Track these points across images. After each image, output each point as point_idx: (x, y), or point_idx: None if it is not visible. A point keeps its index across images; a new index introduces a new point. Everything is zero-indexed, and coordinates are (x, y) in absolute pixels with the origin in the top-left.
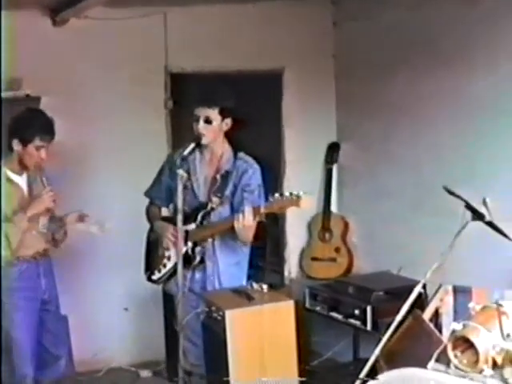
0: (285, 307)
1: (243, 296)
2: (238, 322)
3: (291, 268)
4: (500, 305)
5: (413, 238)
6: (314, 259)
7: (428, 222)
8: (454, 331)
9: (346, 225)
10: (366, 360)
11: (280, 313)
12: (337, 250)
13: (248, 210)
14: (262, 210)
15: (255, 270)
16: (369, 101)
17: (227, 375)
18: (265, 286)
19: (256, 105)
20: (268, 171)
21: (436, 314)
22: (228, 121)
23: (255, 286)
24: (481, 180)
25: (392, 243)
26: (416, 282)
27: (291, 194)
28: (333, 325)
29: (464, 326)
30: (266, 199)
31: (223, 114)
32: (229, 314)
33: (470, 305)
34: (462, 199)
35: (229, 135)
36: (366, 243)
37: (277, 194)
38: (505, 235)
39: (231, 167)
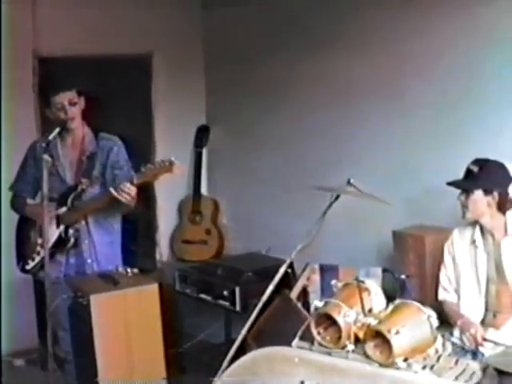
0: (149, 291)
1: (109, 280)
2: (103, 307)
3: (163, 251)
4: (361, 281)
5: (282, 218)
6: (185, 242)
7: (296, 203)
8: (316, 308)
9: (217, 207)
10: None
11: (145, 296)
12: (207, 232)
13: (124, 185)
14: (136, 181)
15: (128, 254)
16: (239, 85)
17: (94, 361)
18: (129, 270)
19: (125, 88)
20: (138, 155)
21: (304, 293)
22: (82, 101)
23: (121, 269)
24: (348, 162)
25: (262, 224)
26: (285, 261)
27: (163, 161)
28: (206, 307)
29: (326, 303)
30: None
31: (80, 95)
32: (93, 299)
33: (333, 282)
34: (329, 190)
35: (88, 117)
36: (237, 225)
37: (149, 164)
38: (374, 198)
39: (95, 148)
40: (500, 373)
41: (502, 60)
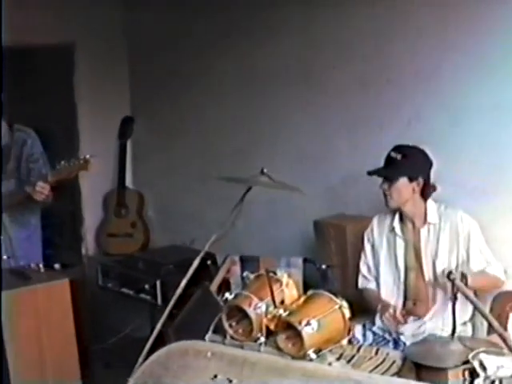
0: (60, 287)
1: (20, 277)
2: (13, 304)
3: (88, 245)
4: (272, 272)
5: (206, 209)
6: (111, 235)
7: (220, 193)
8: (227, 301)
9: (142, 199)
10: (162, 333)
11: (55, 292)
12: (133, 225)
13: (37, 184)
14: (50, 179)
15: (51, 249)
16: (161, 75)
17: (5, 359)
18: (41, 266)
19: (47, 80)
20: (61, 147)
21: (227, 285)
22: None
23: (33, 265)
24: (265, 151)
25: (187, 216)
26: (207, 254)
27: (78, 158)
28: (129, 301)
29: (236, 295)
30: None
31: None
32: (3, 296)
33: (244, 274)
34: (239, 181)
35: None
36: (162, 217)
37: (63, 161)
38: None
39: (9, 141)
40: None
41: (407, 45)
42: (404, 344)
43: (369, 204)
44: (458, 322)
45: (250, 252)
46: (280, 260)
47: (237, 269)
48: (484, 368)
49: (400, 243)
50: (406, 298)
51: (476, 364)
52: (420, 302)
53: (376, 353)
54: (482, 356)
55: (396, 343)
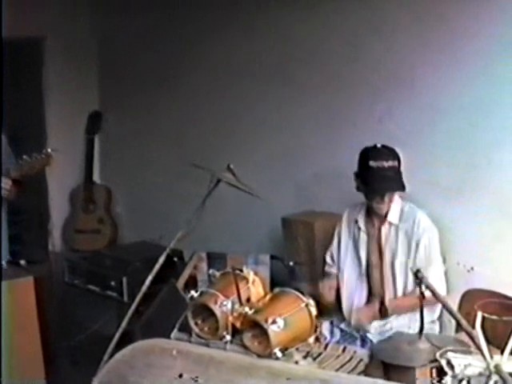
0: (24, 283)
1: None
2: None
3: (55, 241)
4: (238, 269)
5: (174, 205)
6: (78, 231)
7: (189, 190)
8: (192, 299)
9: (110, 195)
10: (128, 331)
11: (19, 289)
12: (100, 221)
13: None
14: (13, 174)
15: (19, 245)
16: (132, 71)
17: None
18: (4, 262)
19: (15, 73)
20: (29, 142)
21: (194, 282)
22: None
23: None
24: (233, 147)
25: (155, 212)
26: (174, 250)
27: (40, 153)
28: (97, 298)
29: (202, 293)
30: None
31: None
32: None
33: (210, 271)
34: (206, 170)
35: None
36: (131, 213)
37: (25, 156)
38: (249, 193)
39: None
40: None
41: (381, 44)
42: (371, 341)
43: (339, 201)
44: (426, 320)
45: (217, 249)
46: (248, 257)
47: (204, 266)
48: (452, 367)
49: (363, 237)
50: (370, 294)
51: (443, 362)
52: (385, 299)
53: (343, 351)
54: (450, 355)
55: (363, 340)
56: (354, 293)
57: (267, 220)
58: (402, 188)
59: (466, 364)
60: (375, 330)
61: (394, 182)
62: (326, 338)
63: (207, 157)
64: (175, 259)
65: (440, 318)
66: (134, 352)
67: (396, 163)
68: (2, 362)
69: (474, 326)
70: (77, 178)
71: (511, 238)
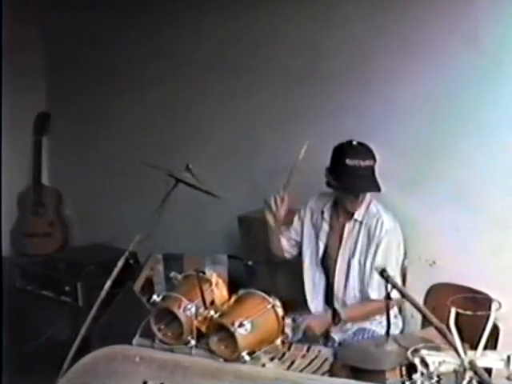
0: None
1: None
2: None
3: (3, 246)
4: (201, 272)
5: (125, 206)
6: (28, 235)
7: (141, 191)
8: (154, 304)
9: (59, 197)
10: (86, 337)
11: None
12: (51, 224)
13: None
14: None
15: None
16: (80, 70)
17: None
18: None
19: None
20: None
21: (151, 284)
22: None
23: None
24: (186, 145)
25: (107, 213)
26: (129, 253)
27: None
28: (50, 303)
29: (164, 297)
30: None
31: None
32: None
33: (172, 274)
34: (163, 170)
35: None
36: (82, 215)
37: None
38: (209, 193)
39: None
40: None
41: (334, 34)
42: (334, 340)
43: (296, 197)
44: None
45: (173, 249)
46: (205, 258)
47: (160, 267)
48: (426, 364)
49: (325, 227)
50: (329, 287)
51: (417, 361)
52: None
53: (307, 350)
54: (424, 352)
55: (326, 338)
56: (314, 279)
57: (222, 218)
58: (378, 189)
59: (441, 361)
60: (336, 328)
61: (370, 182)
62: (287, 337)
63: (159, 156)
64: (131, 261)
65: (401, 312)
66: (95, 359)
67: (372, 162)
68: None
69: (448, 324)
70: (25, 180)
71: (472, 230)
